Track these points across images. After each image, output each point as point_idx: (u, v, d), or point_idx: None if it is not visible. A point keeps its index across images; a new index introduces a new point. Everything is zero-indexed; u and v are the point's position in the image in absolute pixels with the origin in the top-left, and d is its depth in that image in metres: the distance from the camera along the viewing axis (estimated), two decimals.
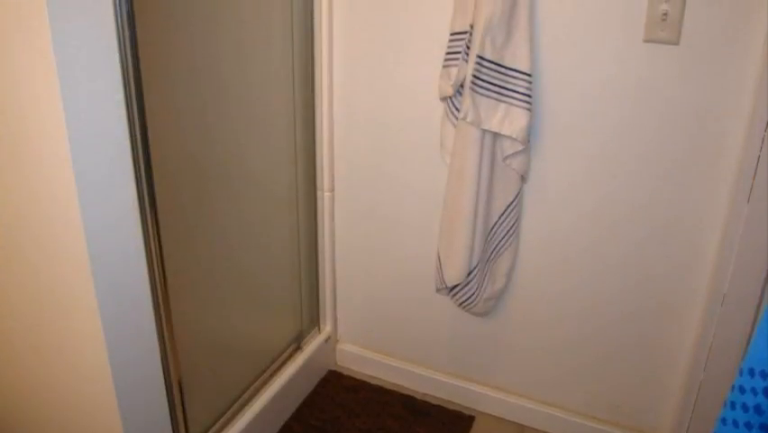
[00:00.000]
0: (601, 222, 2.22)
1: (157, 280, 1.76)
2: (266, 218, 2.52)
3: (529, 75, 2.02)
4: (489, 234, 2.28)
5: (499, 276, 2.37)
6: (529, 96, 2.04)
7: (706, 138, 1.99)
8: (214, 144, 2.18)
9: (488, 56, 1.99)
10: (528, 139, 2.10)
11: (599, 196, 2.19)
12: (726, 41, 1.88)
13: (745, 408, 1.32)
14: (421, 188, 2.48)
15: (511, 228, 2.28)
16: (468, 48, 2.05)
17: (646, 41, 1.97)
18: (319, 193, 2.66)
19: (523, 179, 2.23)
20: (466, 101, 2.04)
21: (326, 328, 2.92)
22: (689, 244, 2.12)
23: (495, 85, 2.03)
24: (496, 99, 2.05)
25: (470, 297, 2.32)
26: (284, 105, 2.43)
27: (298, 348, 2.77)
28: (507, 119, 2.06)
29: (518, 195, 2.24)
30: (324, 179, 2.63)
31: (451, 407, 2.74)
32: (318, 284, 2.84)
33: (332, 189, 2.65)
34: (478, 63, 1.99)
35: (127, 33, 1.50)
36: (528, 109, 2.05)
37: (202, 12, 2.02)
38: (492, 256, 2.33)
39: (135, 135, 1.58)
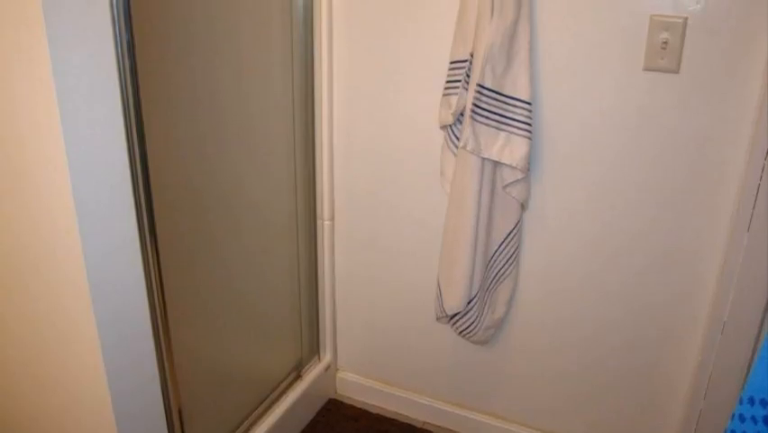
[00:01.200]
0: (601, 250, 2.22)
1: (157, 308, 1.76)
2: (266, 247, 2.52)
3: (529, 103, 2.03)
4: (490, 262, 2.28)
5: (499, 304, 2.37)
6: (529, 124, 2.04)
7: (706, 166, 1.99)
8: (214, 173, 2.18)
9: (488, 84, 2.00)
10: (528, 167, 2.09)
11: (599, 224, 2.19)
12: (726, 70, 1.88)
13: None
14: (421, 216, 2.48)
15: (511, 257, 2.28)
16: (468, 76, 2.06)
17: (646, 69, 1.97)
18: (319, 222, 2.66)
19: (523, 207, 2.23)
20: (466, 129, 2.04)
21: (326, 357, 2.91)
22: (689, 273, 2.12)
23: (495, 113, 2.03)
24: (496, 128, 2.05)
25: (470, 325, 2.32)
26: (284, 134, 2.43)
27: (298, 377, 2.76)
28: (508, 147, 2.06)
29: (518, 223, 2.24)
30: (323, 208, 2.62)
31: None
32: (318, 312, 2.83)
33: (332, 218, 2.65)
34: (478, 92, 2.00)
35: (127, 63, 1.50)
36: (528, 138, 2.05)
37: (202, 41, 2.03)
38: (492, 285, 2.33)
39: (135, 164, 1.58)
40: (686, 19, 1.88)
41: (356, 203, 2.60)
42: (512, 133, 2.05)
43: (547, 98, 2.12)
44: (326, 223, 2.65)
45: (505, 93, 2.02)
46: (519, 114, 2.04)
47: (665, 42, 1.91)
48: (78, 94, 1.38)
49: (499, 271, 2.31)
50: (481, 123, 2.04)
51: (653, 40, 1.93)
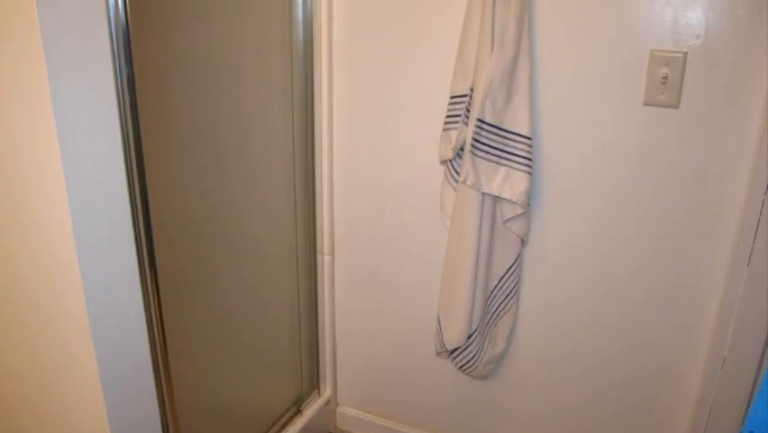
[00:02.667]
0: (601, 284, 2.21)
1: (157, 342, 1.75)
2: (266, 281, 2.51)
3: (529, 138, 2.03)
4: (490, 297, 2.27)
5: (499, 339, 2.36)
6: (529, 159, 2.04)
7: (706, 201, 1.99)
8: (214, 207, 2.18)
9: (488, 119, 2.00)
10: (528, 202, 2.10)
11: (599, 258, 2.19)
12: (726, 104, 1.89)
13: None
14: (421, 251, 2.48)
15: (511, 291, 2.28)
16: (468, 111, 2.06)
17: (646, 104, 1.98)
18: (319, 256, 2.66)
19: (523, 242, 2.23)
20: (466, 164, 2.04)
21: (326, 391, 2.89)
22: (689, 307, 2.12)
23: (495, 148, 2.04)
24: (496, 162, 2.05)
25: (470, 360, 2.31)
26: (284, 168, 2.43)
27: (298, 411, 2.75)
28: (508, 182, 2.06)
29: (518, 258, 2.23)
30: (323, 242, 2.63)
31: None
32: (318, 347, 2.82)
33: (332, 253, 2.65)
34: (478, 126, 2.00)
35: (127, 97, 1.50)
36: (528, 172, 2.05)
37: (202, 74, 2.03)
38: (492, 319, 2.32)
39: (135, 198, 1.58)
40: (686, 54, 1.89)
41: (356, 237, 2.60)
42: (512, 167, 2.05)
43: (547, 133, 2.13)
44: (326, 257, 2.65)
45: (505, 127, 2.03)
46: (519, 148, 2.04)
47: (665, 77, 1.92)
48: (78, 128, 1.38)
49: (499, 306, 2.30)
50: (481, 157, 2.04)
51: (654, 74, 1.93)
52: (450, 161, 2.18)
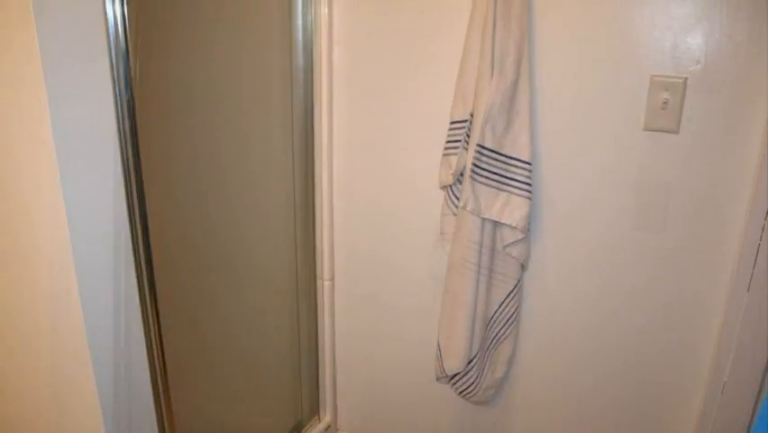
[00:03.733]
0: (601, 309, 2.21)
1: (157, 368, 1.75)
2: (265, 306, 2.51)
3: (529, 163, 2.03)
4: (489, 322, 2.26)
5: (499, 365, 2.35)
6: (529, 184, 2.04)
7: (705, 226, 1.99)
8: (215, 232, 2.18)
9: (488, 144, 2.00)
10: (528, 227, 2.10)
11: (599, 283, 2.18)
12: (726, 129, 1.89)
13: None
14: (421, 276, 2.48)
15: (511, 317, 2.27)
16: (468, 136, 2.06)
17: (646, 129, 1.98)
18: (319, 282, 2.65)
19: (523, 267, 2.23)
20: (466, 189, 2.04)
21: (326, 417, 2.88)
22: (689, 332, 2.11)
23: (495, 173, 2.04)
24: (496, 188, 2.05)
25: (469, 386, 2.30)
26: (284, 193, 2.44)
27: None
28: (508, 208, 2.06)
29: (518, 283, 2.23)
30: (323, 268, 2.62)
31: None
32: (318, 373, 2.81)
33: (332, 278, 2.65)
34: (478, 152, 2.00)
35: (127, 123, 1.50)
36: (528, 198, 2.05)
37: (202, 100, 2.04)
38: (492, 345, 2.31)
39: (135, 223, 1.58)
40: (686, 79, 1.89)
41: (356, 262, 2.60)
42: (512, 193, 2.05)
43: (547, 158, 2.13)
44: (326, 282, 2.65)
45: (505, 153, 2.03)
46: (519, 174, 2.04)
47: (665, 102, 1.92)
48: (78, 153, 1.39)
49: (499, 331, 2.29)
50: (481, 183, 2.04)
51: (654, 100, 1.94)
52: (450, 186, 2.18)
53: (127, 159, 1.53)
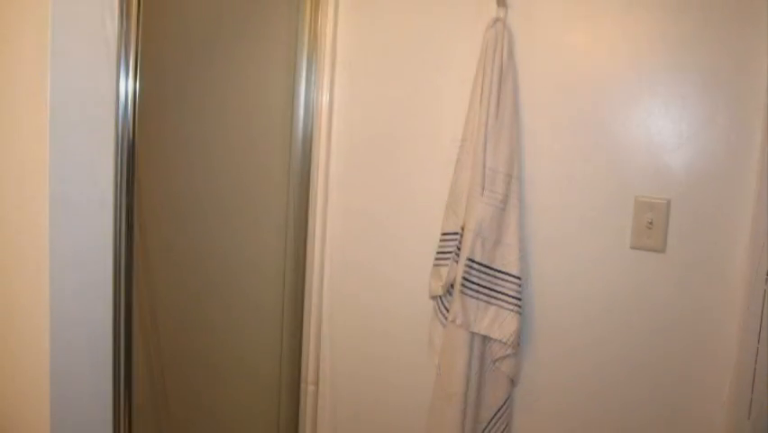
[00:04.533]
0: (595, 427, 2.17)
1: None
2: (250, 409, 2.49)
3: (519, 278, 2.03)
4: None
5: None
6: (519, 299, 2.04)
7: (698, 341, 1.98)
8: (198, 339, 2.17)
9: (477, 258, 2.01)
10: (519, 342, 2.07)
11: (592, 400, 2.14)
12: (712, 246, 1.91)
13: None
14: (409, 387, 2.43)
15: None
16: (459, 249, 2.06)
17: (633, 247, 2.01)
18: (303, 385, 2.61)
19: (513, 382, 2.19)
20: (455, 303, 2.04)
21: None
22: None
23: (485, 287, 2.04)
24: (486, 302, 2.05)
25: None
26: (273, 302, 2.44)
27: None
28: (497, 322, 2.05)
29: (508, 400, 2.19)
30: (308, 372, 2.58)
31: None
32: None
33: (316, 383, 2.61)
34: (468, 266, 2.01)
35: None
36: (518, 312, 2.04)
37: (200, 205, 2.05)
38: None
39: (119, 329, 1.56)
40: (669, 201, 1.93)
41: (342, 368, 2.56)
42: (502, 307, 2.05)
43: (537, 272, 2.13)
44: (310, 387, 2.60)
45: (495, 267, 2.04)
46: (509, 288, 2.04)
47: (650, 222, 1.96)
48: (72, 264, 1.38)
49: None
50: (471, 296, 2.04)
51: (639, 220, 1.98)
52: (440, 297, 2.17)
53: (119, 258, 1.52)
